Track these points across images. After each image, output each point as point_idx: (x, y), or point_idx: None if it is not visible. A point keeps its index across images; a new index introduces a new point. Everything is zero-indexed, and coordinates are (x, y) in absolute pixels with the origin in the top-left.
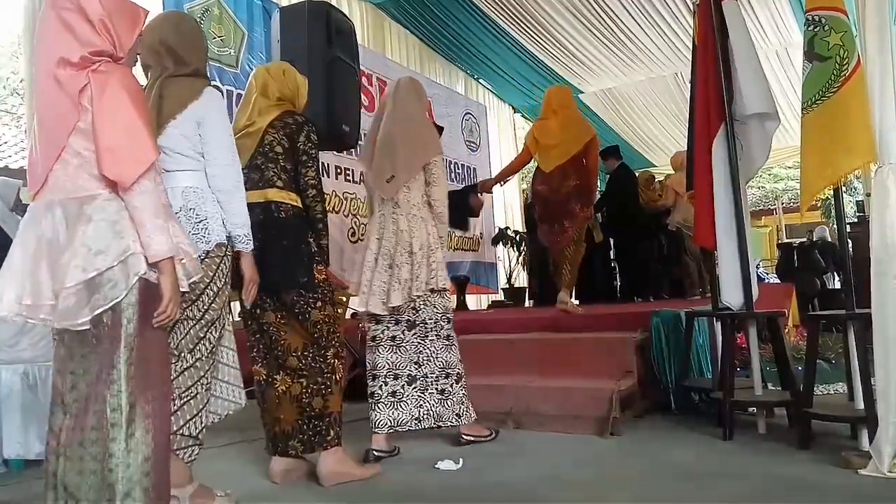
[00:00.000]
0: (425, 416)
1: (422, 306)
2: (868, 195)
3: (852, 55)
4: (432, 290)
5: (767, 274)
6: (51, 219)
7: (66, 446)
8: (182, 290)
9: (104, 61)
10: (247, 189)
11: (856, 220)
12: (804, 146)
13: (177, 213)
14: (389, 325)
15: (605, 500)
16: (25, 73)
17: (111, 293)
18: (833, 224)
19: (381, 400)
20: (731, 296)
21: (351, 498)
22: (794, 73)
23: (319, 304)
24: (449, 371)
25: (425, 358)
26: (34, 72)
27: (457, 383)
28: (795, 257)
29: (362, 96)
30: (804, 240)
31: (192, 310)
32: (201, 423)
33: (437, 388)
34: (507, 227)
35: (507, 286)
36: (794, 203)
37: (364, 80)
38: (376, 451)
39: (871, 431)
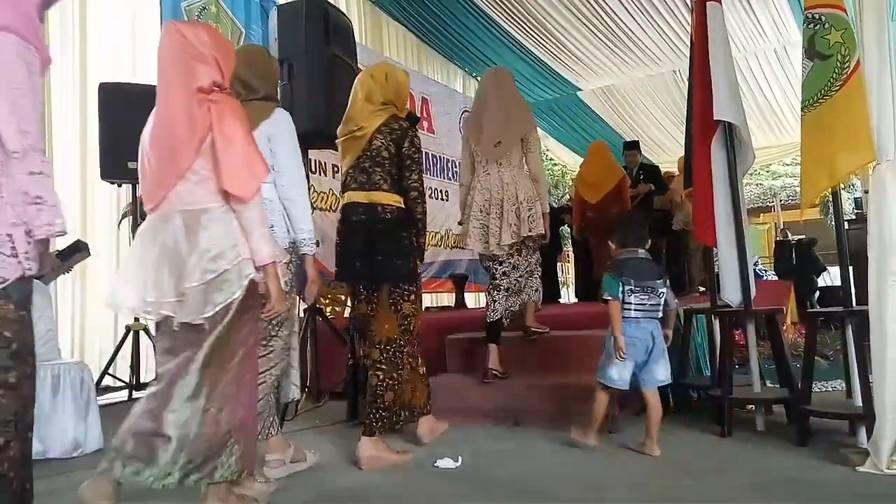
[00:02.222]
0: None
1: (524, 249)
2: (866, 192)
3: (853, 53)
4: (534, 237)
5: (766, 271)
6: (171, 228)
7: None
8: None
9: (217, 91)
10: (352, 188)
11: (854, 216)
12: (805, 145)
13: None
14: (507, 258)
15: (604, 497)
16: None
17: (228, 291)
18: (831, 221)
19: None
20: (730, 293)
21: (350, 497)
22: (793, 71)
23: (413, 297)
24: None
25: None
26: (159, 104)
27: (536, 288)
28: (794, 255)
29: None
30: (802, 237)
31: (262, 311)
32: (268, 402)
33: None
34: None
35: None
36: (792, 200)
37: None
38: (494, 370)
39: (869, 428)
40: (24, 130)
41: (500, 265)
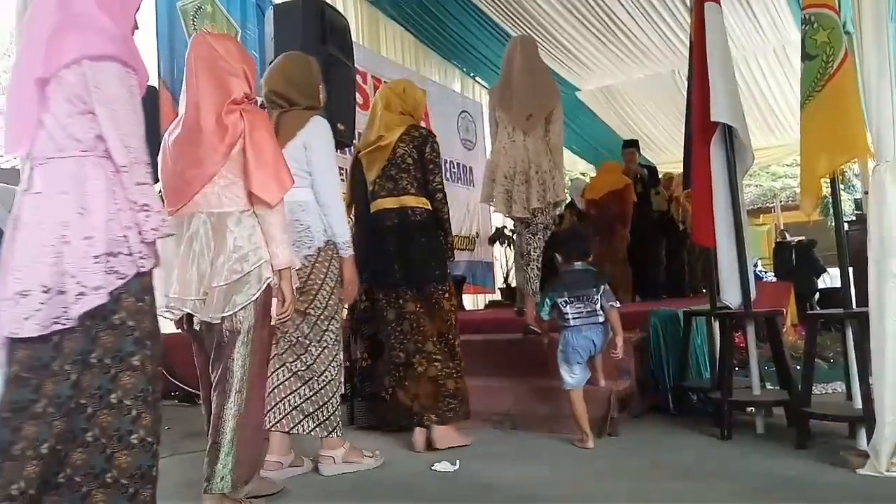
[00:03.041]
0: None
1: (540, 213)
2: (866, 193)
3: (838, 52)
4: (554, 204)
5: (765, 273)
6: (197, 228)
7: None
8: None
9: (247, 103)
10: (382, 196)
11: (854, 218)
12: (801, 145)
13: None
14: (518, 225)
15: (603, 500)
16: None
17: (248, 293)
18: (831, 222)
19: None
20: (730, 295)
21: (349, 499)
22: (792, 71)
23: (448, 294)
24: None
25: (530, 249)
26: (188, 112)
27: (537, 266)
28: (793, 256)
29: (357, 94)
30: (802, 238)
31: (312, 308)
32: (337, 402)
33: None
34: (503, 227)
35: (504, 286)
36: (792, 201)
37: (359, 77)
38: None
39: (868, 431)
40: (128, 146)
41: (519, 225)
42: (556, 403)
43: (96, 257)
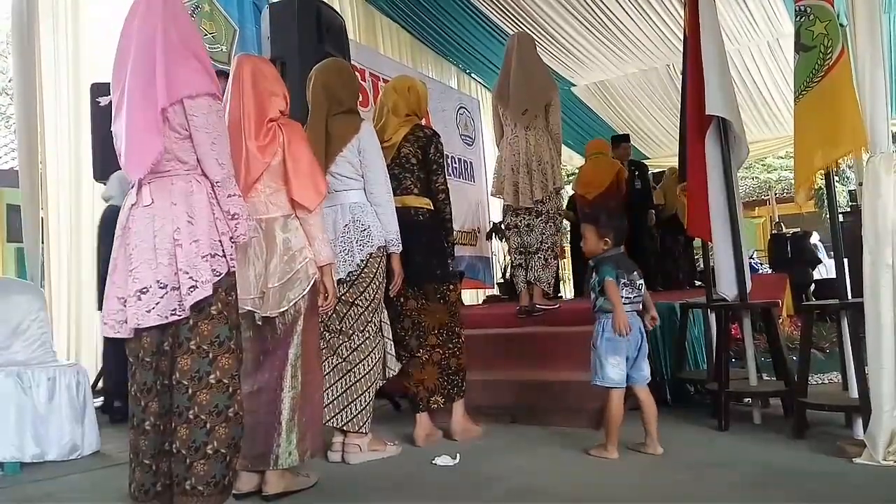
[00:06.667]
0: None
1: (547, 200)
2: (860, 184)
3: (836, 43)
4: (557, 190)
5: (761, 265)
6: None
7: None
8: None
9: (283, 117)
10: None
11: (848, 209)
12: (795, 136)
13: (346, 224)
14: (525, 216)
15: (601, 492)
16: (15, 73)
17: (298, 289)
18: (826, 214)
19: (518, 272)
20: (726, 287)
21: (349, 496)
22: (786, 64)
23: (453, 287)
24: (551, 247)
25: (544, 238)
26: (229, 125)
27: (554, 258)
28: (789, 248)
29: None
30: (797, 230)
31: (360, 300)
32: (369, 398)
33: (542, 258)
34: (500, 222)
35: (502, 280)
36: (787, 193)
37: (356, 75)
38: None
39: (865, 420)
40: (221, 163)
41: (515, 216)
42: (555, 397)
43: (203, 256)
